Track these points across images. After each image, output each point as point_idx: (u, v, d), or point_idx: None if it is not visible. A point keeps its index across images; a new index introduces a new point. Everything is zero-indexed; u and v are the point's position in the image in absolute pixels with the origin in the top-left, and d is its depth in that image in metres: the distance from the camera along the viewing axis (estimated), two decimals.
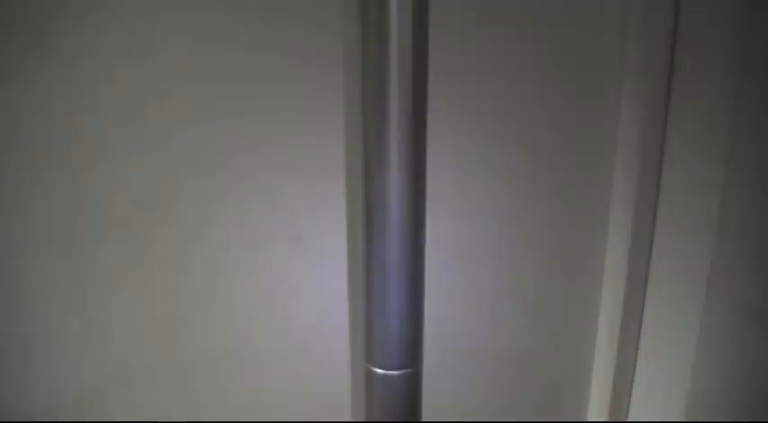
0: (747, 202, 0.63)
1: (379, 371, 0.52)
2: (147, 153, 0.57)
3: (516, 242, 0.72)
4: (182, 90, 0.56)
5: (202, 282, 0.62)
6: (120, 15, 0.53)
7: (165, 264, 0.60)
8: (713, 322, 0.67)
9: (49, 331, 0.59)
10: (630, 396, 0.79)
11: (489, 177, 0.69)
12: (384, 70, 0.44)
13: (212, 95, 0.57)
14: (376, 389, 0.53)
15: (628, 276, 0.73)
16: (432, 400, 0.58)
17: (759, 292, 0.63)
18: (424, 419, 0.57)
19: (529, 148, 0.69)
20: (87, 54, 0.53)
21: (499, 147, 0.68)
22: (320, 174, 0.61)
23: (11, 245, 0.57)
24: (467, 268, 0.71)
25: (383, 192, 0.47)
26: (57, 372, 0.60)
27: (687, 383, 0.70)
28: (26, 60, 0.52)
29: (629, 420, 0.79)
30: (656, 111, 0.68)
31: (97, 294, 0.59)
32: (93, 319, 0.60)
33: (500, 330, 0.74)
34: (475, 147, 0.67)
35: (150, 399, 0.63)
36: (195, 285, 0.62)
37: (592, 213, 0.74)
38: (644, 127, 0.68)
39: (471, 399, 0.76)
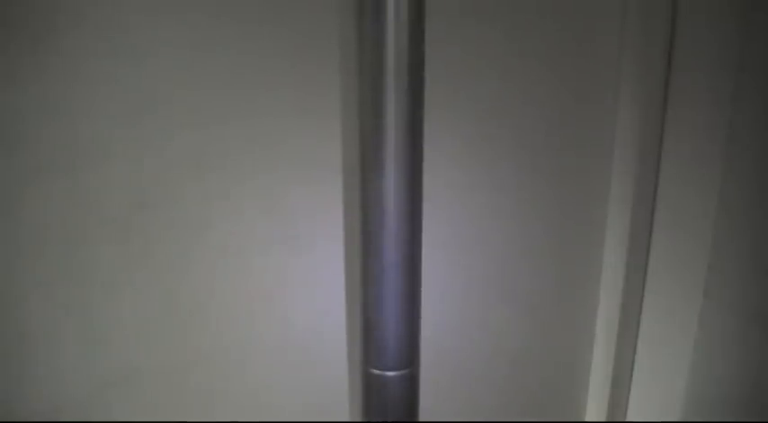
0: (745, 204, 0.63)
1: (377, 372, 0.52)
2: (146, 154, 0.57)
3: (514, 243, 0.72)
4: (181, 92, 0.57)
5: (201, 283, 0.62)
6: (120, 16, 0.53)
7: (163, 265, 0.60)
8: (710, 323, 0.67)
9: (49, 332, 0.59)
10: (628, 396, 0.79)
11: (486, 179, 0.69)
12: (380, 74, 0.44)
13: (211, 97, 0.57)
14: (374, 390, 0.53)
15: (625, 277, 0.73)
16: (429, 400, 0.58)
17: (756, 292, 0.63)
18: (421, 420, 0.57)
19: (526, 149, 0.69)
20: (87, 55, 0.53)
21: (496, 148, 0.68)
22: (318, 176, 0.62)
23: (11, 245, 0.57)
24: (464, 268, 0.71)
25: (380, 193, 0.47)
26: (57, 372, 0.60)
27: (685, 384, 0.70)
28: (26, 61, 0.52)
29: (627, 420, 0.79)
30: (654, 112, 0.68)
31: (97, 295, 0.60)
32: (92, 320, 0.60)
33: (498, 331, 0.75)
34: (472, 149, 0.67)
35: (149, 399, 0.64)
36: (194, 286, 0.62)
37: (589, 214, 0.74)
38: (641, 128, 0.68)
39: (469, 399, 0.76)
